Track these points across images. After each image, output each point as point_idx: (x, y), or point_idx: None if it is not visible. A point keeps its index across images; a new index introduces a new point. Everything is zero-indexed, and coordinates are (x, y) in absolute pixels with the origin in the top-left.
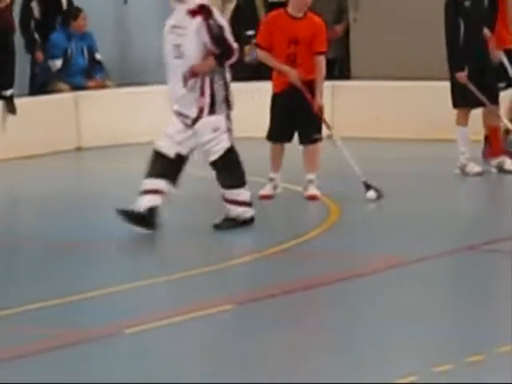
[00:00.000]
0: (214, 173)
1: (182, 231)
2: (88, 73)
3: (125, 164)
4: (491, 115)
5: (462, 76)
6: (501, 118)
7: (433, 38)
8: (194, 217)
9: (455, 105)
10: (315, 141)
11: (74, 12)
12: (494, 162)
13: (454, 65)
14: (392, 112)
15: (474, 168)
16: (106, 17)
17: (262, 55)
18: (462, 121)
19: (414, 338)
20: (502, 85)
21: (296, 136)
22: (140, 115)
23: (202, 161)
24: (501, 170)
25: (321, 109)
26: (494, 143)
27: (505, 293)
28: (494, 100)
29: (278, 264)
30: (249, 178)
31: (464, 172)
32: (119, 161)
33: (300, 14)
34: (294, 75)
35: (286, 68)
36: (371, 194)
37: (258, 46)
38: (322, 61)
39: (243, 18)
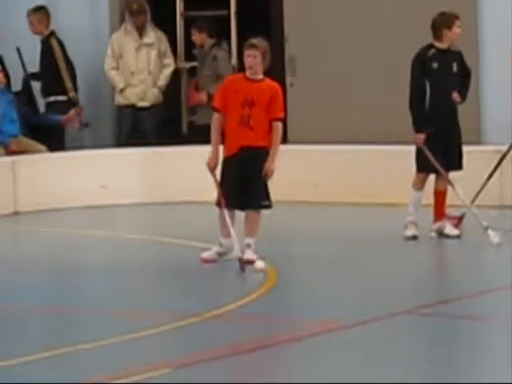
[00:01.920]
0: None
1: (118, 295)
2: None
3: (62, 228)
4: (441, 180)
5: (419, 138)
6: (453, 185)
7: (370, 101)
8: (131, 281)
9: (418, 169)
10: (263, 207)
11: None
12: (435, 226)
13: (416, 126)
14: (330, 176)
15: (408, 231)
16: None
17: (214, 118)
18: (418, 185)
19: None
20: None
21: None
22: (76, 179)
23: None
24: (441, 234)
25: (268, 175)
26: (437, 207)
27: (441, 357)
28: (459, 165)
29: (216, 328)
30: (187, 242)
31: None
32: (56, 225)
33: (258, 77)
34: (209, 164)
35: (212, 150)
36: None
37: (213, 108)
38: (278, 127)
39: None
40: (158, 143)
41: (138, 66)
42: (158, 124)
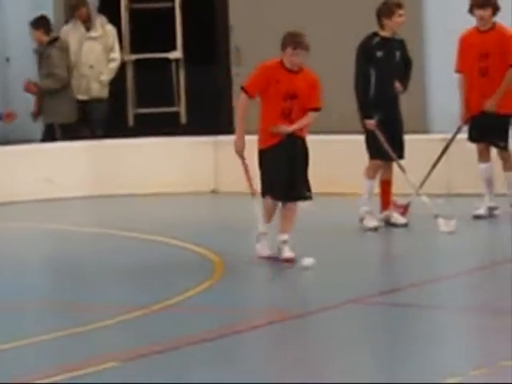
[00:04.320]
0: None
1: (65, 289)
2: None
3: (7, 222)
4: (388, 169)
5: (370, 123)
6: (405, 170)
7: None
8: (78, 274)
9: (372, 156)
10: (306, 198)
11: None
12: (382, 215)
13: (364, 113)
14: None
15: (370, 222)
16: None
17: (243, 101)
18: (371, 173)
19: None
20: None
21: None
22: (22, 173)
23: None
24: (388, 223)
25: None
26: (383, 196)
27: (388, 345)
28: (400, 154)
29: (164, 320)
30: (136, 235)
31: (361, 224)
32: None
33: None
34: (237, 147)
35: (239, 132)
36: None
37: (244, 90)
38: (313, 116)
39: None
40: (104, 136)
41: (80, 60)
42: (104, 117)
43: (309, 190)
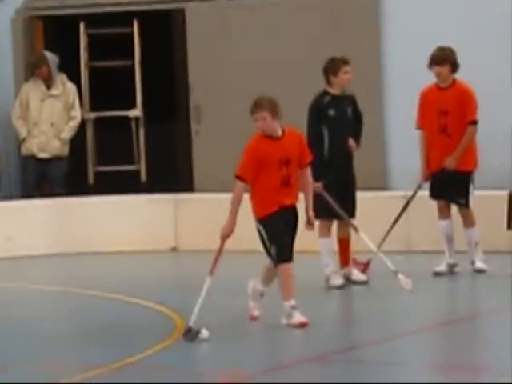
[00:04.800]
0: None
1: (24, 348)
2: None
3: None
4: (343, 227)
5: (317, 186)
6: (357, 230)
7: None
8: (38, 332)
9: (317, 216)
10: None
11: None
12: (341, 272)
13: (313, 174)
14: (237, 224)
15: (335, 281)
16: None
17: (239, 189)
18: (324, 232)
19: None
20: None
21: None
22: None
23: None
24: (348, 280)
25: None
26: (342, 254)
27: None
28: (352, 213)
29: (123, 379)
30: (96, 293)
31: (328, 284)
32: None
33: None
34: (225, 233)
35: (232, 218)
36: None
37: (239, 178)
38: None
39: None
40: (64, 194)
41: (40, 117)
42: (64, 175)
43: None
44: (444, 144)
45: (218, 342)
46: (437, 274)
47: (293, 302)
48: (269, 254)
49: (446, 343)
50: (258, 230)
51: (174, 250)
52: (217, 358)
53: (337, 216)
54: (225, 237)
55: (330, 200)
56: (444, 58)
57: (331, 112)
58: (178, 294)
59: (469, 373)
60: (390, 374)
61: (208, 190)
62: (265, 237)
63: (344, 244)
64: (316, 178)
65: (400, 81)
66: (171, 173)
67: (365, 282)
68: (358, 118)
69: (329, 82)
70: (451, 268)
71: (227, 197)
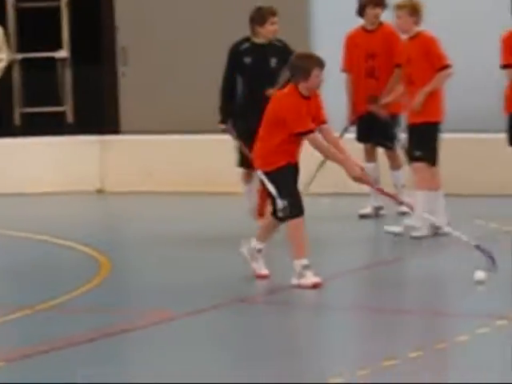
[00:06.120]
0: None
1: None
2: None
3: None
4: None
5: (221, 126)
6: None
7: (202, 91)
8: None
9: (237, 163)
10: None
11: None
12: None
13: (220, 116)
14: (163, 166)
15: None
16: None
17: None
18: (245, 177)
19: None
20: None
21: None
22: None
23: None
24: None
25: None
26: (259, 205)
27: (276, 344)
28: None
29: (48, 320)
30: (21, 234)
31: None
32: None
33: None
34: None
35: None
36: (480, 275)
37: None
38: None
39: None
40: None
41: None
42: None
43: None
44: (371, 87)
45: (145, 283)
46: (362, 217)
47: (305, 262)
48: (276, 208)
49: (369, 286)
50: (263, 185)
51: (99, 191)
52: (144, 298)
53: (249, 166)
54: (359, 178)
55: (245, 149)
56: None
57: (247, 59)
58: (103, 236)
59: (392, 314)
60: (312, 315)
61: (134, 132)
62: (273, 190)
63: (259, 194)
64: (221, 121)
65: (328, 31)
66: (98, 114)
67: None
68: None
69: (254, 32)
70: (376, 211)
71: (153, 138)
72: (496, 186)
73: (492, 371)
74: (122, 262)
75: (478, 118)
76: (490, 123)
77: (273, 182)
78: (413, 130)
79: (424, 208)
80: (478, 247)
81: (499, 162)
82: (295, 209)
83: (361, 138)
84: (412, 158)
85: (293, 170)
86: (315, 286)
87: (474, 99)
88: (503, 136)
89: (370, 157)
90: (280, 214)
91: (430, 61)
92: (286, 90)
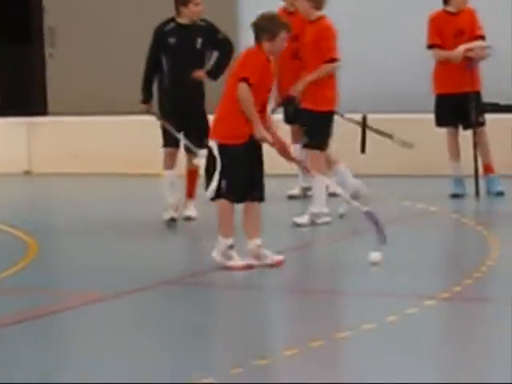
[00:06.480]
0: None
1: None
2: None
3: None
4: (190, 158)
5: (143, 107)
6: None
7: (130, 72)
8: None
9: (163, 143)
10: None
11: None
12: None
13: (142, 96)
14: (91, 147)
15: (166, 214)
16: None
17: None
18: (169, 159)
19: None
20: None
21: None
22: None
23: None
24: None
25: None
26: (188, 186)
27: (201, 324)
28: (200, 143)
29: None
30: None
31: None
32: None
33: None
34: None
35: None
36: (374, 256)
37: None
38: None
39: None
40: None
41: None
42: None
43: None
44: (296, 68)
45: (74, 264)
46: (291, 197)
47: (230, 241)
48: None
49: (296, 268)
50: (212, 157)
51: (27, 173)
52: (73, 280)
53: (177, 146)
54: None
55: (171, 128)
56: None
57: (171, 40)
58: (31, 217)
59: (315, 296)
60: (238, 297)
61: (62, 114)
62: (218, 165)
63: (191, 176)
64: (142, 100)
65: (256, 7)
66: (25, 96)
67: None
68: (219, 48)
69: (178, 12)
70: (305, 191)
71: (81, 120)
72: (423, 167)
73: (420, 351)
74: (50, 243)
75: (407, 98)
76: (419, 103)
77: (222, 156)
78: (305, 116)
79: (324, 192)
80: (367, 213)
81: (427, 143)
82: (230, 195)
83: (287, 119)
84: (304, 145)
85: (252, 147)
86: (277, 264)
87: (403, 79)
88: (431, 116)
89: (297, 138)
90: (211, 194)
91: (319, 50)
92: (251, 48)
